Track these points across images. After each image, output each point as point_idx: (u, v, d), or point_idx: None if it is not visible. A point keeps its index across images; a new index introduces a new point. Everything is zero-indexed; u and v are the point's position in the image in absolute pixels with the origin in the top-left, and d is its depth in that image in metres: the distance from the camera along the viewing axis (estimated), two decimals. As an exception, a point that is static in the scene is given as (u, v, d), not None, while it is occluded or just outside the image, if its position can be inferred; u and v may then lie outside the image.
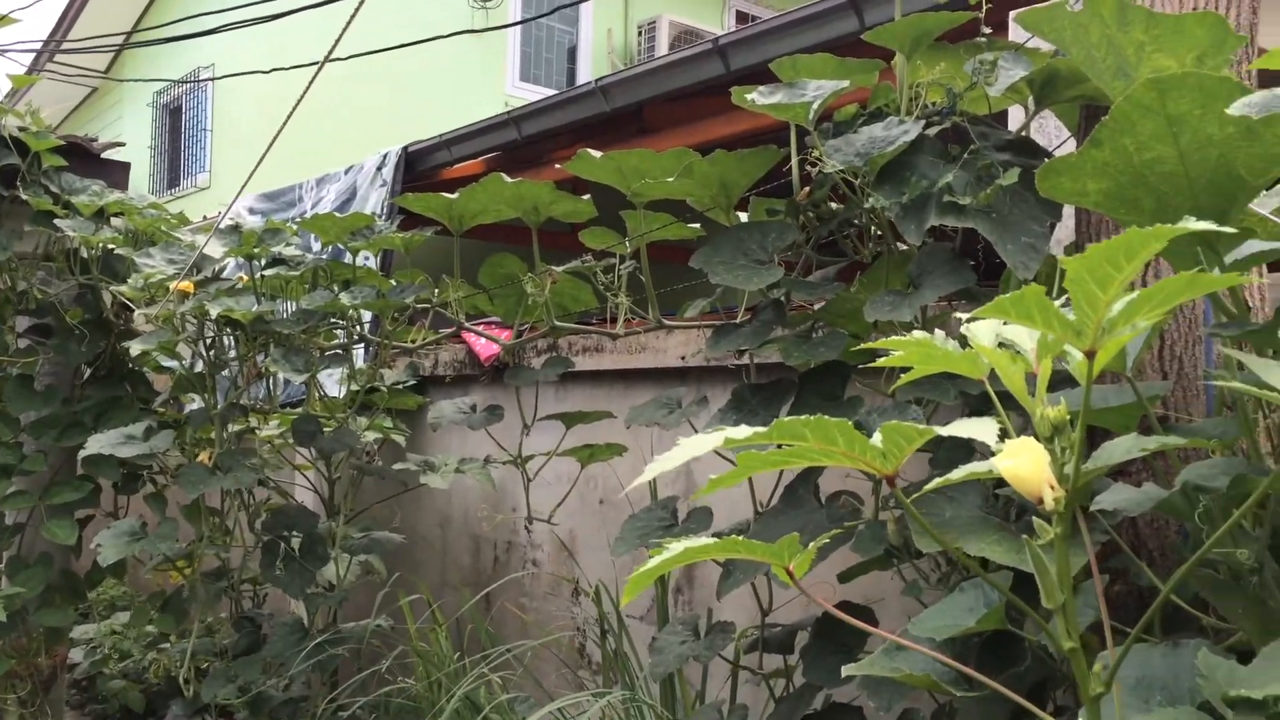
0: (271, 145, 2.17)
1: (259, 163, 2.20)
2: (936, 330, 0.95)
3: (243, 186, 2.55)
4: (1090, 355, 0.80)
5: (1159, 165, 1.11)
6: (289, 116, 2.05)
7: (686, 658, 2.00)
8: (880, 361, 0.93)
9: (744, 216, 2.30)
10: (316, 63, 2.69)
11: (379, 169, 5.02)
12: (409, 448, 3.65)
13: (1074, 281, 0.77)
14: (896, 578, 1.94)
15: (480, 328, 3.22)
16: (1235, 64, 1.65)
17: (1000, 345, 0.96)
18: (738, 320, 2.20)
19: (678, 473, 2.98)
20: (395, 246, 2.71)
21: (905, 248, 2.01)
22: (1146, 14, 1.31)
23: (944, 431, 0.79)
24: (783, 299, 2.12)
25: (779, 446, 0.90)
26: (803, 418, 0.78)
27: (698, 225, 2.48)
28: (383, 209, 4.76)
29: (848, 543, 1.82)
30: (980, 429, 0.79)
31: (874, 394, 2.06)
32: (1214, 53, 1.32)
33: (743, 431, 0.79)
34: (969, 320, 0.89)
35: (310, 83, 2.06)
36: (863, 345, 1.00)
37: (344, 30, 1.90)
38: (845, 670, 1.39)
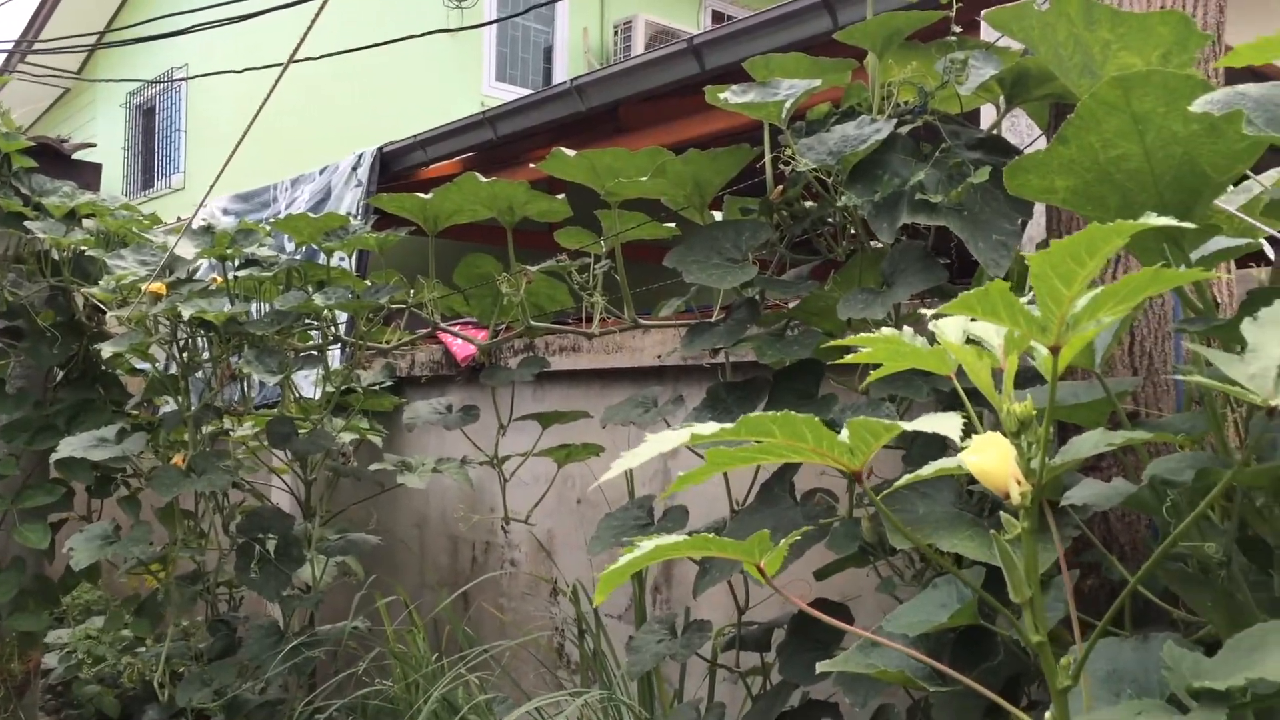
0: (238, 146, 2.15)
1: (226, 163, 2.19)
2: (905, 327, 0.96)
3: (211, 187, 2.53)
4: (1055, 351, 0.81)
5: (1125, 162, 1.12)
6: (255, 116, 2.04)
7: (663, 656, 2.00)
8: (849, 358, 0.93)
9: (719, 216, 2.30)
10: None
11: (354, 169, 5.00)
12: (386, 448, 3.63)
13: (1038, 277, 0.77)
14: (873, 574, 1.95)
15: (457, 328, 3.22)
16: (1203, 62, 1.67)
17: (970, 342, 0.96)
18: (712, 319, 2.20)
19: (655, 471, 2.98)
20: (369, 247, 2.70)
21: (878, 246, 2.02)
22: (1112, 13, 1.32)
23: (908, 427, 0.80)
24: (757, 297, 2.12)
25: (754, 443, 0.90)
26: (770, 414, 0.78)
27: (673, 225, 2.48)
28: (358, 209, 4.74)
29: (823, 540, 1.83)
30: (945, 424, 0.80)
31: (848, 392, 2.07)
32: (1179, 51, 1.33)
33: (710, 428, 0.79)
34: (932, 317, 0.90)
35: (275, 83, 2.05)
36: (832, 343, 1.00)
37: (306, 32, 1.89)
38: (820, 667, 1.40)
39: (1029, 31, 1.45)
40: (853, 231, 2.09)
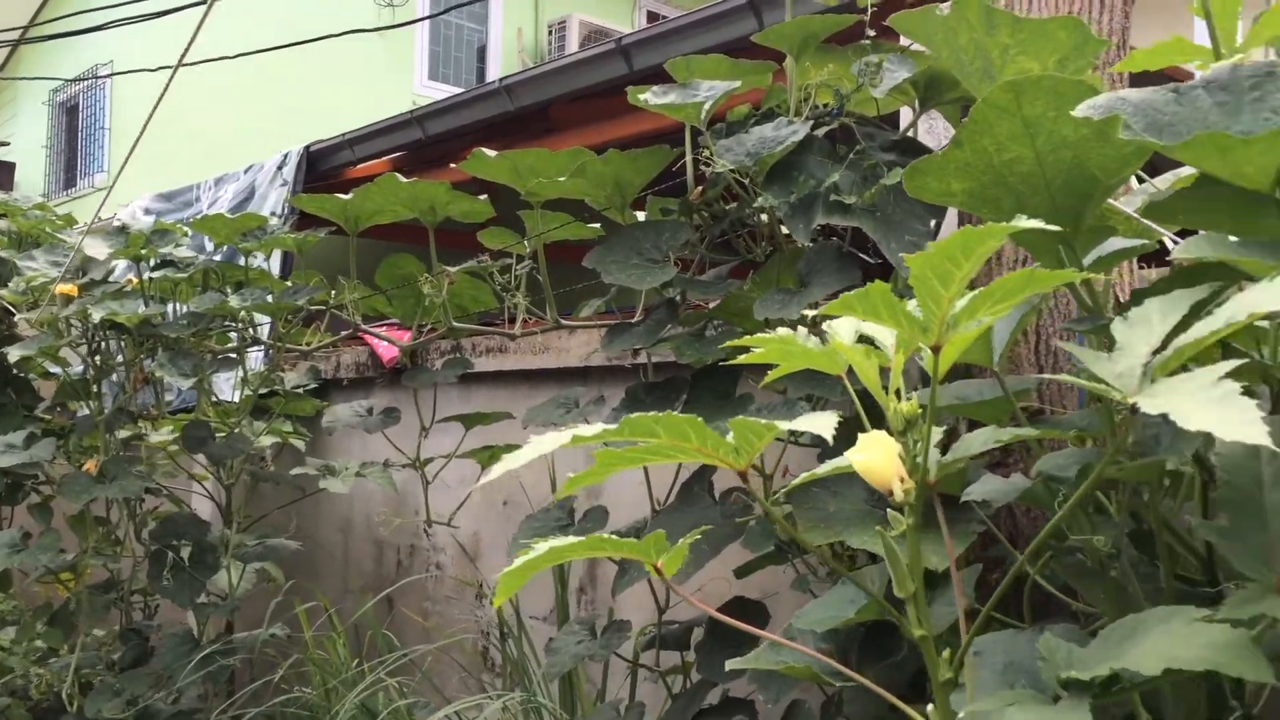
0: (136, 143, 2.11)
1: (125, 160, 2.15)
2: (800, 328, 0.97)
3: (111, 185, 2.48)
4: (936, 350, 0.82)
5: (1017, 166, 1.14)
6: (150, 116, 2.00)
7: (582, 657, 2.00)
8: (742, 359, 0.94)
9: (643, 216, 2.31)
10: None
11: (279, 168, 4.93)
12: (310, 452, 3.58)
13: (918, 279, 0.79)
14: (791, 571, 1.97)
15: (382, 330, 3.18)
16: (1103, 66, 1.71)
17: (864, 341, 0.97)
18: (634, 320, 2.21)
19: (582, 470, 2.98)
20: (287, 247, 2.67)
21: (797, 246, 2.04)
22: (1011, 18, 1.35)
23: (785, 426, 0.81)
24: (677, 298, 2.13)
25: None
26: (654, 414, 0.78)
27: (598, 225, 2.48)
28: (282, 209, 4.67)
29: (740, 539, 1.84)
30: (819, 424, 0.81)
31: (767, 392, 2.08)
32: (1076, 56, 1.36)
33: (593, 429, 0.79)
34: (814, 317, 0.91)
35: (168, 84, 2.01)
36: (729, 343, 1.01)
37: (196, 31, 1.86)
38: (729, 665, 1.41)
39: (932, 36, 1.47)
40: (771, 232, 2.11)
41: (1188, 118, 0.94)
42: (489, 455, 2.72)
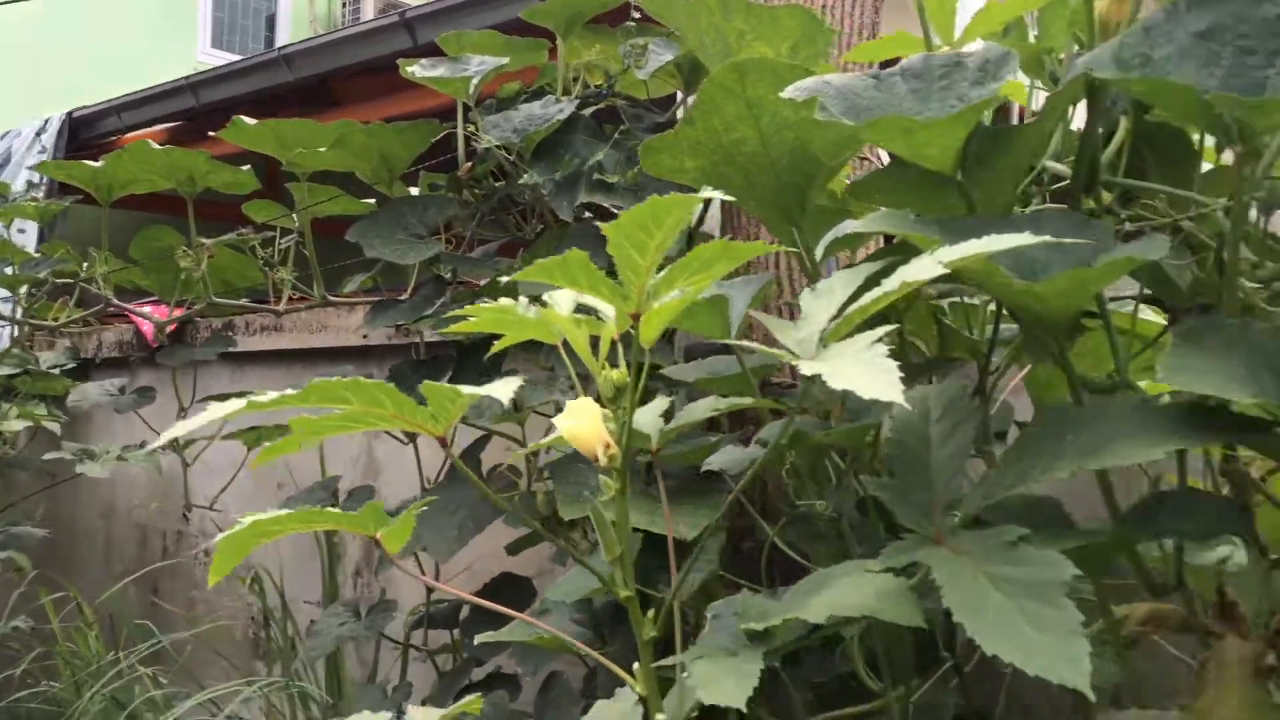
0: None
1: None
2: (521, 298, 0.97)
3: None
4: (636, 318, 0.84)
5: (744, 145, 1.18)
6: None
7: (345, 638, 1.97)
8: (455, 327, 0.94)
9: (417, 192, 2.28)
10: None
11: (38, 135, 4.60)
12: (69, 436, 3.36)
13: (615, 246, 0.81)
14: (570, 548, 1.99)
15: (148, 308, 3.02)
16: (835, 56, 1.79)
17: (586, 310, 0.99)
18: (401, 296, 2.18)
19: (359, 453, 2.92)
20: (27, 216, 2.50)
21: (566, 224, 2.05)
22: (745, 5, 1.39)
23: (469, 393, 0.82)
24: (446, 275, 2.11)
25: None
26: (341, 379, 0.78)
27: (373, 200, 2.43)
28: (40, 178, 4.36)
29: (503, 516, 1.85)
30: (501, 390, 0.82)
31: (535, 368, 2.09)
32: (807, 44, 1.42)
33: (269, 396, 0.78)
34: (507, 282, 0.92)
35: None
36: (450, 313, 1.01)
37: None
38: (480, 639, 1.41)
39: (679, 19, 1.51)
40: (540, 210, 2.12)
41: (884, 102, 1.00)
42: (255, 436, 2.62)
